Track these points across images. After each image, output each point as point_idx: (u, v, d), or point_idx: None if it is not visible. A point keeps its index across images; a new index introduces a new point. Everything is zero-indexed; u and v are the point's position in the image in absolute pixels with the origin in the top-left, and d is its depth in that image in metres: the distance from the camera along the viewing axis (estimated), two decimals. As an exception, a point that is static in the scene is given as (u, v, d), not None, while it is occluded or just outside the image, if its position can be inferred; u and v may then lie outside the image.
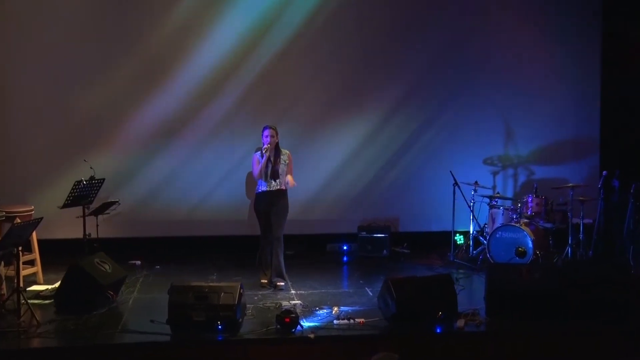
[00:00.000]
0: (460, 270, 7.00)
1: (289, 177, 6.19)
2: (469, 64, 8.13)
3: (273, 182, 6.15)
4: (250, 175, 7.32)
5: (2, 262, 5.63)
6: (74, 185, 6.29)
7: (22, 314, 5.09)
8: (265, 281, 6.22)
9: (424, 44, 8.02)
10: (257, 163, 6.20)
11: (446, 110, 8.18)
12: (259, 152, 6.24)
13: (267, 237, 6.20)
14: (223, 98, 7.69)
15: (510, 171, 8.43)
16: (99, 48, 7.41)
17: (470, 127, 8.22)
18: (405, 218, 8.24)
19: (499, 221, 7.33)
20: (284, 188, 6.24)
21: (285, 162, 6.24)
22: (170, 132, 7.65)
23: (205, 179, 7.77)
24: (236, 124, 7.73)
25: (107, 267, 5.66)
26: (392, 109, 8.08)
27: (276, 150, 6.22)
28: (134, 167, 7.62)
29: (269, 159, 6.12)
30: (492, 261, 6.93)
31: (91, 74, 7.43)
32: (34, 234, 6.15)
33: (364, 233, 7.92)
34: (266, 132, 6.16)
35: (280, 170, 6.17)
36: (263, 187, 6.19)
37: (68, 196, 6.27)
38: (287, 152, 6.31)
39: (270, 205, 6.18)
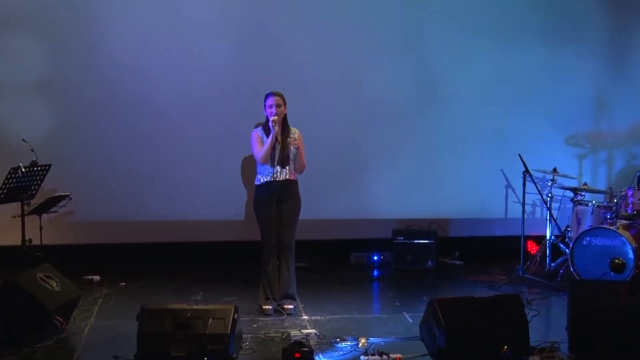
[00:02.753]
0: (534, 289, 6.99)
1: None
2: (546, 19, 8.16)
3: (280, 170, 6.15)
4: (246, 161, 7.34)
5: None
6: (9, 173, 6.31)
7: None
8: (268, 306, 6.23)
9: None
10: (258, 141, 6.18)
11: (512, 74, 8.15)
12: (259, 128, 6.23)
13: (273, 244, 6.19)
14: (211, 58, 7.72)
15: (603, 154, 8.39)
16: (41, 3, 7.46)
17: (547, 93, 8.21)
18: (458, 218, 8.28)
19: (587, 223, 7.29)
20: (293, 178, 6.24)
21: (295, 144, 6.23)
22: (139, 102, 7.67)
23: (186, 165, 7.79)
24: (230, 92, 7.74)
25: (54, 284, 5.66)
26: (440, 73, 8.08)
27: (284, 127, 6.22)
28: (91, 150, 7.64)
29: (276, 138, 6.10)
30: (577, 277, 6.91)
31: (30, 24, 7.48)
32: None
33: (401, 238, 7.93)
34: (270, 100, 6.13)
35: (291, 155, 6.18)
36: (266, 177, 6.18)
37: (1, 188, 6.30)
38: (297, 131, 6.30)
39: (277, 200, 6.16)
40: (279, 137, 6.13)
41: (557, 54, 8.19)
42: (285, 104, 6.16)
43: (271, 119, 6.06)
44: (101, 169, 7.66)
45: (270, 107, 6.10)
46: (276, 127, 6.05)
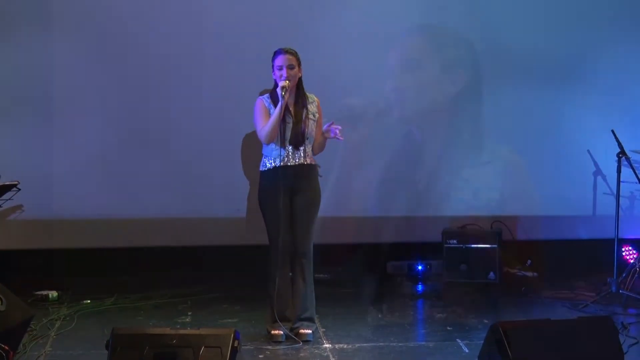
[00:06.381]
0: (631, 310, 6.99)
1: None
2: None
3: (293, 152, 6.16)
4: (248, 140, 7.38)
5: None
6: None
7: None
8: (278, 331, 6.26)
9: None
10: (263, 113, 6.17)
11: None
12: (265, 95, 6.23)
13: (284, 249, 6.20)
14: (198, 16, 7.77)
15: None
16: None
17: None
18: (529, 216, 8.28)
19: None
20: (311, 162, 6.25)
21: (314, 115, 6.24)
22: (110, 60, 7.70)
23: (171, 146, 7.82)
24: (227, 56, 7.79)
25: (-2, 301, 5.72)
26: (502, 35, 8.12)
27: (298, 95, 6.21)
28: (47, 121, 7.65)
29: (287, 109, 6.11)
30: (690, 294, 6.91)
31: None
32: None
33: (453, 242, 7.95)
34: (279, 60, 6.09)
35: (308, 131, 6.18)
36: (275, 160, 6.18)
37: None
38: (315, 97, 6.30)
39: (289, 191, 6.18)
40: (291, 108, 6.13)
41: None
42: (300, 65, 6.14)
43: (280, 84, 6.04)
44: (61, 148, 7.69)
45: (280, 68, 6.07)
46: (286, 96, 6.03)
